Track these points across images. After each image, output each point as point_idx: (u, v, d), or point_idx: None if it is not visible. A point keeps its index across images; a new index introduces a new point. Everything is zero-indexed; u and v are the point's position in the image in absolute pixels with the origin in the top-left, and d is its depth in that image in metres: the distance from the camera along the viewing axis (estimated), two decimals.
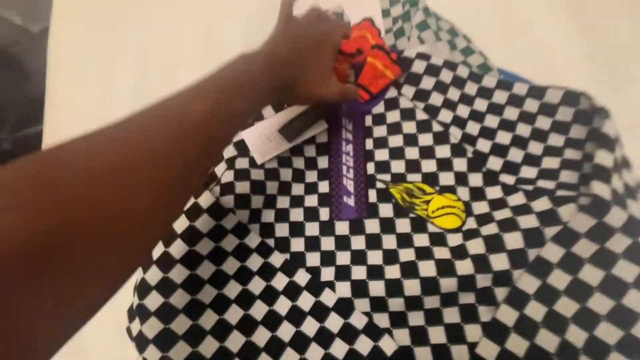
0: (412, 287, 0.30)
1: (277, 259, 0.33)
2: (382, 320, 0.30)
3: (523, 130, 0.35)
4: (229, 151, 0.36)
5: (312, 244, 0.34)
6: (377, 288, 0.30)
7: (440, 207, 0.33)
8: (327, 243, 0.34)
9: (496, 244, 0.29)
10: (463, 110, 0.37)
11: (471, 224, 0.32)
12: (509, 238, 0.29)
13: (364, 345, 0.29)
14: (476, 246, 0.30)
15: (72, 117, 0.48)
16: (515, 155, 0.35)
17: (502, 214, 0.31)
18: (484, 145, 0.35)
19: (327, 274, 0.32)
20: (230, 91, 0.25)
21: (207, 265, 0.31)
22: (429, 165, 0.35)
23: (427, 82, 0.37)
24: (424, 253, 0.31)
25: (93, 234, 0.16)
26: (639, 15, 0.41)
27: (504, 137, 0.35)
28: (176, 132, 0.21)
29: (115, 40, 0.52)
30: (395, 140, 0.37)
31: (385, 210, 0.34)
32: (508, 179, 0.34)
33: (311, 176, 0.37)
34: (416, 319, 0.30)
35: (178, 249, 0.31)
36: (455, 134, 0.36)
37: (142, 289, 0.30)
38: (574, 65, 0.39)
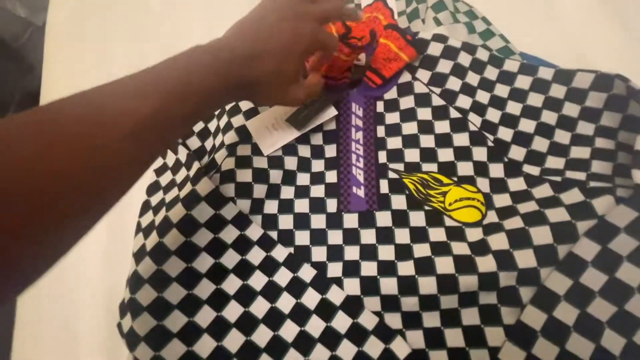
0: (427, 285, 0.27)
1: (280, 252, 0.30)
2: (394, 320, 0.27)
3: (548, 117, 0.33)
4: (230, 137, 0.34)
5: (318, 237, 0.31)
6: (388, 286, 0.28)
7: (458, 199, 0.31)
8: (335, 237, 0.31)
9: (521, 239, 0.27)
10: (483, 96, 0.34)
11: (492, 217, 0.30)
12: (536, 233, 0.27)
13: (374, 347, 0.26)
14: (499, 241, 0.27)
15: None
16: (540, 144, 0.32)
17: (527, 207, 0.29)
18: (505, 134, 0.33)
19: (334, 269, 0.30)
20: (174, 92, 0.21)
21: (205, 257, 0.29)
22: (445, 154, 0.32)
23: (444, 66, 0.35)
24: (440, 248, 0.29)
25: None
26: None
27: (527, 125, 0.33)
28: (103, 135, 0.18)
29: (113, 34, 0.50)
30: (409, 128, 0.34)
31: (398, 202, 0.32)
32: (532, 169, 0.31)
33: (318, 165, 0.35)
34: (431, 320, 0.27)
35: (173, 239, 0.29)
36: (474, 121, 0.33)
37: (134, 282, 0.28)
38: (606, 50, 0.36)
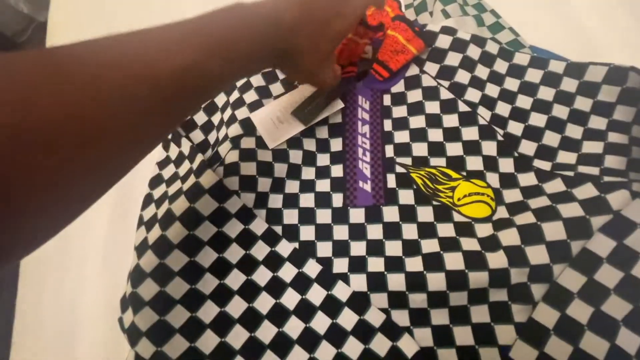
0: (436, 281, 0.26)
1: (285, 247, 0.29)
2: (401, 317, 0.27)
3: (560, 111, 0.32)
4: (234, 129, 0.33)
5: (324, 232, 0.31)
6: (396, 282, 0.27)
7: (467, 194, 0.30)
8: (340, 232, 0.31)
9: (533, 235, 0.26)
10: (492, 90, 0.33)
11: (502, 213, 0.29)
12: (549, 228, 0.26)
13: (381, 345, 0.26)
14: (510, 237, 0.27)
15: None
16: (551, 139, 0.31)
17: (538, 202, 0.28)
18: (515, 128, 0.32)
19: (340, 265, 0.29)
20: (214, 49, 0.20)
21: (208, 251, 0.28)
22: (454, 149, 0.32)
23: (453, 59, 0.34)
24: (449, 244, 0.28)
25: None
26: None
27: (537, 119, 0.32)
28: (133, 83, 0.16)
29: (114, 30, 0.49)
30: (417, 121, 0.33)
31: (406, 196, 0.31)
32: (543, 164, 0.30)
33: (323, 159, 0.34)
34: (440, 317, 0.26)
35: (176, 232, 0.28)
36: (483, 115, 0.32)
37: (136, 276, 0.27)
38: (618, 42, 0.35)
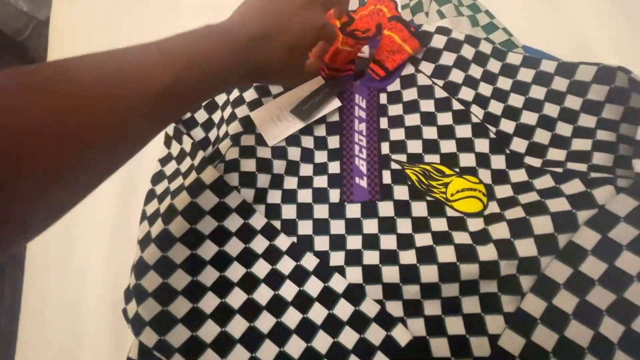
0: (429, 273, 0.27)
1: (283, 241, 0.30)
2: (395, 308, 0.28)
3: (550, 110, 0.33)
4: (234, 127, 0.34)
5: (321, 227, 0.32)
6: (390, 274, 0.28)
7: (460, 189, 0.31)
8: (337, 226, 0.32)
9: (522, 229, 0.27)
10: (485, 89, 0.34)
11: (493, 208, 0.30)
12: (537, 222, 0.27)
13: (375, 334, 0.27)
14: (500, 231, 0.28)
15: None
16: (542, 136, 0.32)
17: (528, 198, 0.29)
18: (507, 126, 0.33)
19: (337, 258, 0.30)
20: (196, 63, 0.21)
21: (209, 245, 0.29)
22: (448, 146, 0.33)
23: (447, 58, 0.35)
24: (442, 238, 0.29)
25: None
26: None
27: (529, 118, 0.33)
28: (124, 99, 0.18)
29: (116, 28, 0.50)
30: (412, 119, 0.34)
31: (400, 192, 0.32)
32: (534, 161, 0.31)
33: (321, 156, 0.35)
34: (432, 308, 0.27)
35: (178, 226, 0.29)
36: (476, 113, 0.33)
37: (140, 269, 0.28)
38: (608, 42, 0.36)
